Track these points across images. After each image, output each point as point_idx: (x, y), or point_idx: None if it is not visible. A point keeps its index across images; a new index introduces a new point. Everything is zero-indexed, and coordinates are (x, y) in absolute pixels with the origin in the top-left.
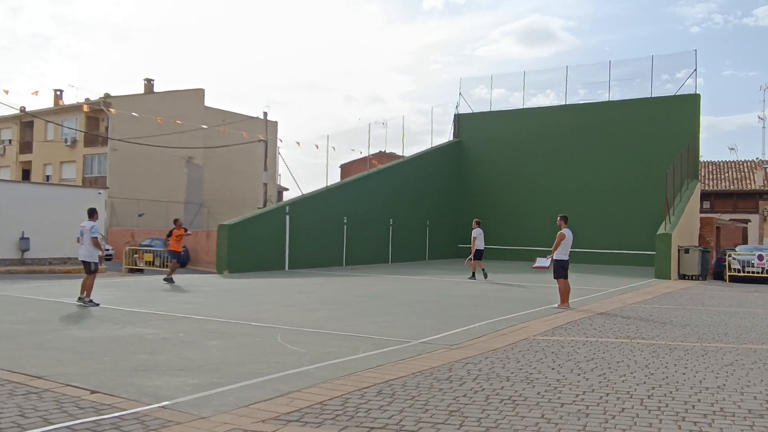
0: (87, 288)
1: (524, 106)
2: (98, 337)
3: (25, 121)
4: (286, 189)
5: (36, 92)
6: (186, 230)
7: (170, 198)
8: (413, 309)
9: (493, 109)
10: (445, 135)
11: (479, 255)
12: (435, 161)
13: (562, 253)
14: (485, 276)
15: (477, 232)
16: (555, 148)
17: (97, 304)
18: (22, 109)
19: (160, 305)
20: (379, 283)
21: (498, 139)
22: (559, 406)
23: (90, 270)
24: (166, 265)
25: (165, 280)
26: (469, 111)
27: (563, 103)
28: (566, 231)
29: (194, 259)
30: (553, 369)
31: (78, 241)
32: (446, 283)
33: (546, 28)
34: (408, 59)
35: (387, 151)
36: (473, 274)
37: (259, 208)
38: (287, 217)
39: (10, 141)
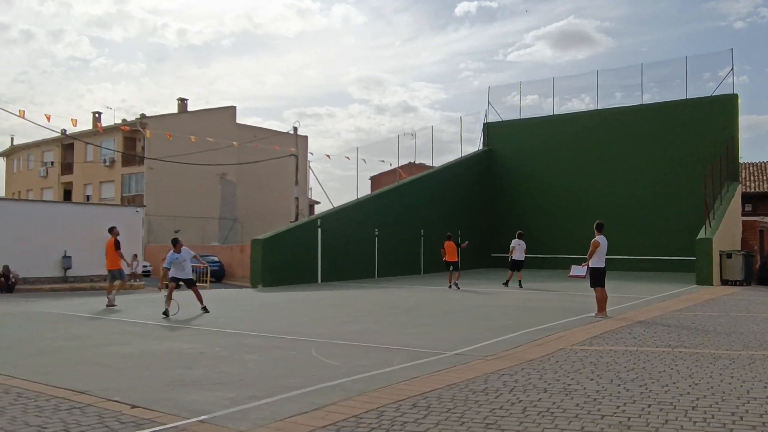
0: None
1: (557, 112)
2: (137, 352)
3: (66, 144)
4: (318, 202)
5: (75, 121)
6: (456, 243)
7: (205, 214)
8: (447, 320)
9: (526, 115)
10: (476, 144)
11: (515, 265)
12: (465, 171)
13: (597, 260)
14: (506, 284)
15: (514, 242)
16: (588, 154)
17: None
18: (63, 132)
19: (195, 320)
20: (412, 294)
21: (529, 146)
22: (599, 418)
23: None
24: (203, 280)
25: (453, 286)
26: (498, 119)
27: (598, 107)
28: (600, 238)
29: (229, 274)
30: (591, 380)
31: None
32: (480, 293)
33: (581, 30)
34: (438, 68)
35: (416, 162)
36: (519, 282)
37: (291, 222)
38: (319, 230)
39: (52, 163)
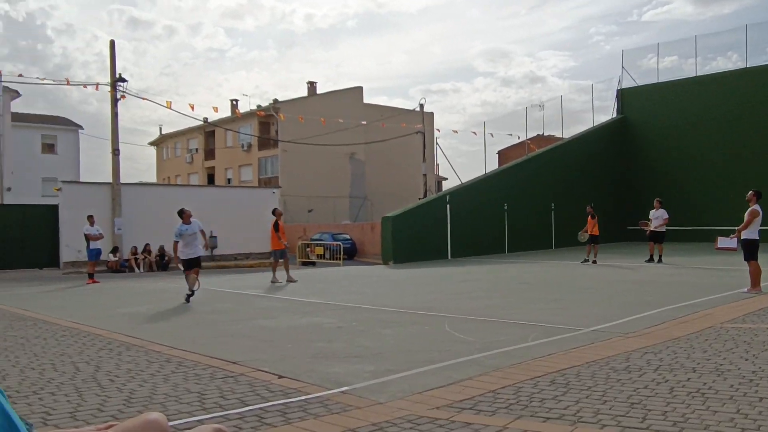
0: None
1: (699, 73)
2: (281, 326)
3: (208, 131)
4: (445, 178)
5: (216, 108)
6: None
7: (336, 193)
8: (582, 296)
9: (664, 78)
10: (609, 112)
11: (653, 237)
12: (598, 141)
13: (752, 231)
14: (651, 260)
15: (652, 213)
16: (736, 117)
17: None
18: (205, 120)
19: (332, 296)
20: (544, 269)
21: (668, 112)
22: (757, 401)
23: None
24: (336, 258)
25: (584, 261)
26: (633, 85)
27: (747, 65)
28: (758, 207)
29: (360, 251)
30: (746, 360)
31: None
32: (616, 268)
33: None
34: (567, 34)
35: (545, 134)
36: (659, 257)
37: (420, 199)
38: (448, 206)
39: (196, 150)
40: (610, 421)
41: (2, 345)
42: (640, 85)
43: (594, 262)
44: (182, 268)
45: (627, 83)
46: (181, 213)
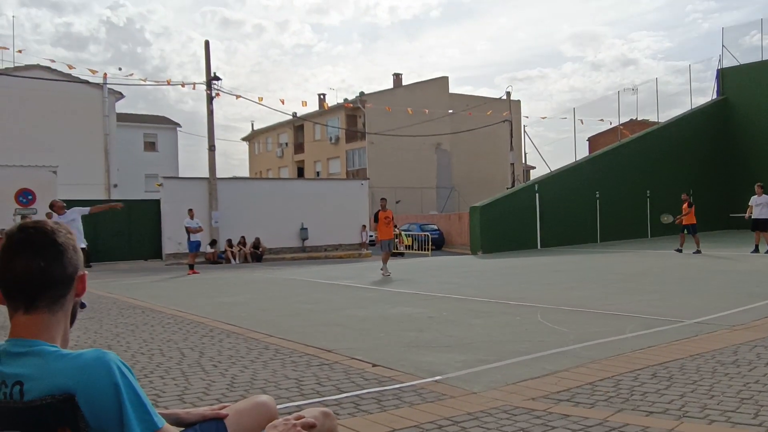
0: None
1: None
2: (373, 315)
3: (297, 125)
4: (533, 167)
5: (305, 102)
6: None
7: (423, 184)
8: (682, 286)
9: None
10: (707, 94)
11: (755, 225)
12: (696, 124)
13: None
14: (758, 250)
15: (752, 199)
16: None
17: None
18: (294, 115)
19: (421, 286)
20: (640, 259)
21: None
22: None
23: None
24: (424, 248)
25: (680, 251)
26: (734, 64)
27: None
28: None
29: (448, 242)
30: None
31: None
32: (718, 258)
33: None
34: (661, 14)
35: (638, 119)
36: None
37: (507, 189)
38: (537, 195)
39: (286, 144)
40: (719, 417)
41: (114, 331)
42: (742, 64)
43: (698, 251)
44: None
45: (728, 62)
46: (52, 206)
